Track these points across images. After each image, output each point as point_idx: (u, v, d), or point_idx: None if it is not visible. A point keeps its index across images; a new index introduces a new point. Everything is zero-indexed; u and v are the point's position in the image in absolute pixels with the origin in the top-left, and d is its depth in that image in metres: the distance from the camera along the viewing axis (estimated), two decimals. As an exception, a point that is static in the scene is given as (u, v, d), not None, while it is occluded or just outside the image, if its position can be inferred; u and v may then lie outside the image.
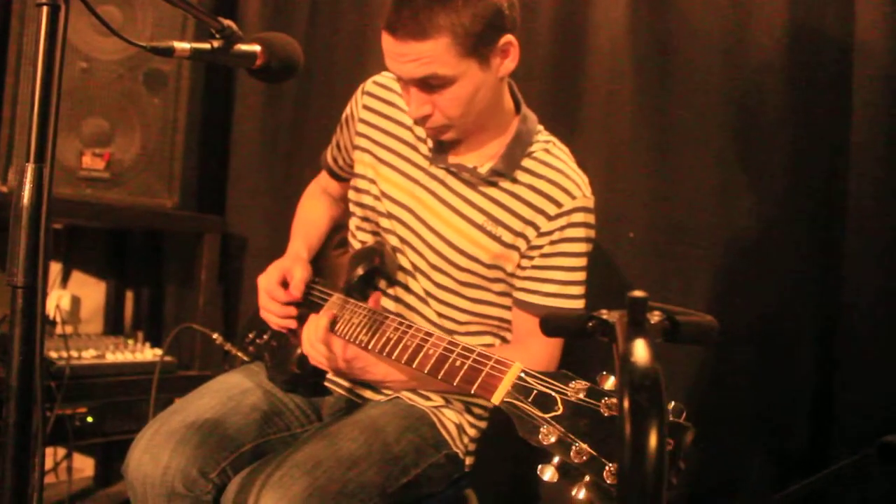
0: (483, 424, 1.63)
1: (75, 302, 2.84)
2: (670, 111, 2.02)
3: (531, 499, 2.08)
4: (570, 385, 0.89)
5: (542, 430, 0.87)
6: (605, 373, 0.89)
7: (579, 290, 1.53)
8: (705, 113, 1.98)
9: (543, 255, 1.50)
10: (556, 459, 0.86)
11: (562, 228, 1.48)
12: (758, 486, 1.87)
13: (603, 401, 0.85)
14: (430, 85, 1.39)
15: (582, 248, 1.52)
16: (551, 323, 0.80)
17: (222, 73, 2.79)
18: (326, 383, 1.62)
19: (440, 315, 1.58)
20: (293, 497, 1.24)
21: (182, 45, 1.20)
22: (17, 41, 2.29)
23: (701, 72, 1.99)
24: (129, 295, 2.98)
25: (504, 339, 1.64)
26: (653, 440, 0.51)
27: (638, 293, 0.63)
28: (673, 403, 0.82)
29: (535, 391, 0.93)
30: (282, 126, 2.75)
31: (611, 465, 0.80)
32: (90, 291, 2.89)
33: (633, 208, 2.06)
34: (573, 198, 1.49)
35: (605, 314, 0.70)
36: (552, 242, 1.49)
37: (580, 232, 1.50)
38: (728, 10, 1.97)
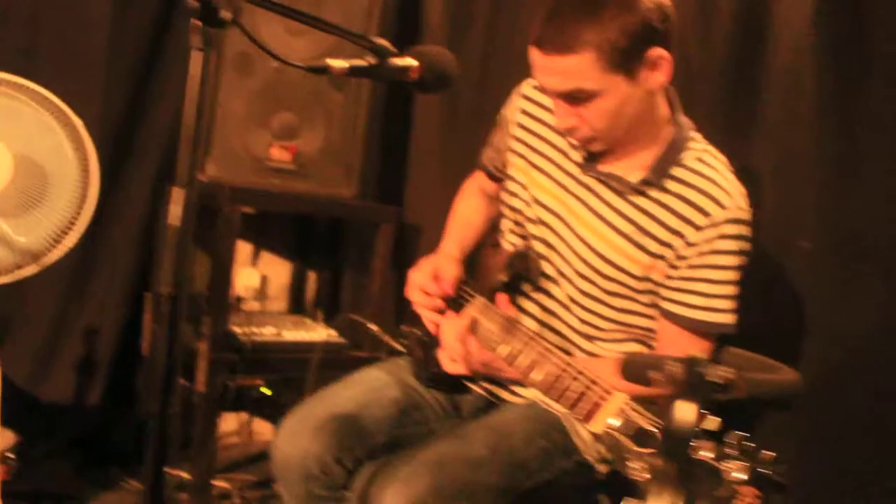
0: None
1: (264, 280, 3.08)
2: (853, 119, 1.89)
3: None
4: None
5: (630, 463, 0.87)
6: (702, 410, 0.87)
7: (728, 304, 1.48)
8: (890, 116, 1.83)
9: (691, 267, 1.46)
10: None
11: (710, 240, 1.44)
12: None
13: (701, 443, 0.83)
14: (574, 98, 1.39)
15: (733, 261, 1.46)
16: (627, 366, 0.80)
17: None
18: (466, 381, 1.67)
19: (582, 321, 1.58)
20: (416, 495, 1.31)
21: (339, 64, 1.26)
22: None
23: (889, 73, 1.84)
24: (312, 276, 3.19)
25: (649, 347, 1.61)
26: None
27: (695, 361, 0.62)
28: (771, 454, 0.80)
29: (636, 425, 0.93)
30: (460, 120, 2.81)
31: (695, 505, 0.79)
32: (277, 271, 3.12)
33: (806, 217, 1.95)
34: (724, 208, 1.43)
35: (671, 366, 0.69)
36: (700, 254, 1.45)
37: (731, 245, 1.45)
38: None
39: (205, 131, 0.95)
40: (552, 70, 1.37)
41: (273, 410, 2.59)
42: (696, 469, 0.81)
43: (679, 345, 1.50)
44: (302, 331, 2.60)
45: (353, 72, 1.29)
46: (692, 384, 0.59)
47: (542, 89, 1.48)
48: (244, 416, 2.89)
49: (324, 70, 1.27)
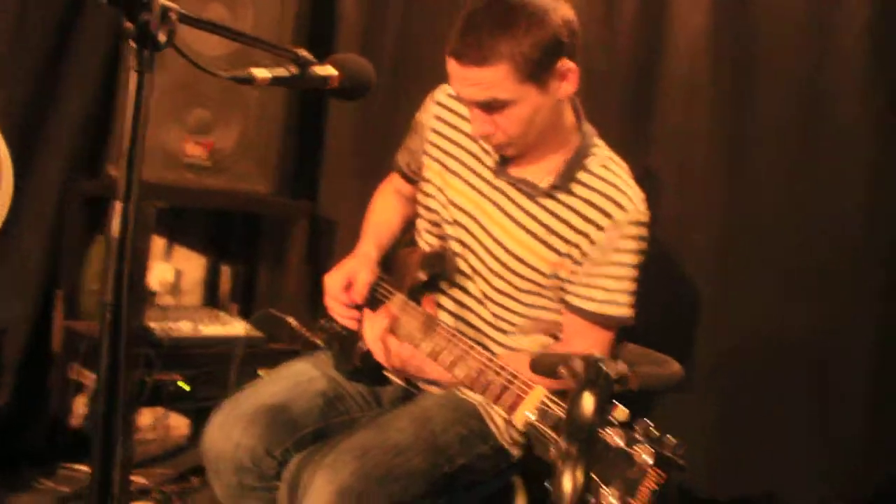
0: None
1: (177, 275, 3.08)
2: (746, 121, 2.06)
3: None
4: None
5: (552, 448, 0.98)
6: (614, 401, 0.98)
7: (627, 298, 1.60)
8: (782, 122, 2.00)
9: (594, 264, 1.58)
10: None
11: (612, 240, 1.56)
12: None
13: (609, 430, 0.95)
14: (490, 107, 1.49)
15: (632, 259, 1.59)
16: (536, 364, 0.91)
17: (318, 66, 2.94)
18: (386, 373, 1.75)
19: (495, 316, 1.68)
20: (342, 480, 1.39)
21: (263, 73, 1.31)
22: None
23: (780, 83, 2.01)
24: (226, 271, 3.20)
25: (557, 338, 1.73)
26: (567, 485, 0.61)
27: (594, 358, 0.73)
28: (674, 440, 0.91)
29: (554, 415, 1.04)
30: (374, 116, 2.87)
31: (607, 489, 0.90)
32: (191, 266, 3.12)
33: (703, 215, 2.11)
34: (625, 211, 1.56)
35: (575, 363, 0.80)
36: (603, 252, 1.57)
37: (631, 244, 1.58)
38: (805, 17, 1.98)
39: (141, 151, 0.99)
40: (470, 81, 1.46)
41: (190, 405, 2.61)
42: (609, 454, 0.92)
43: (583, 336, 1.63)
44: (218, 325, 2.62)
45: (276, 82, 1.34)
46: (591, 379, 0.69)
47: (459, 97, 1.57)
48: (160, 410, 2.89)
49: (248, 80, 1.31)
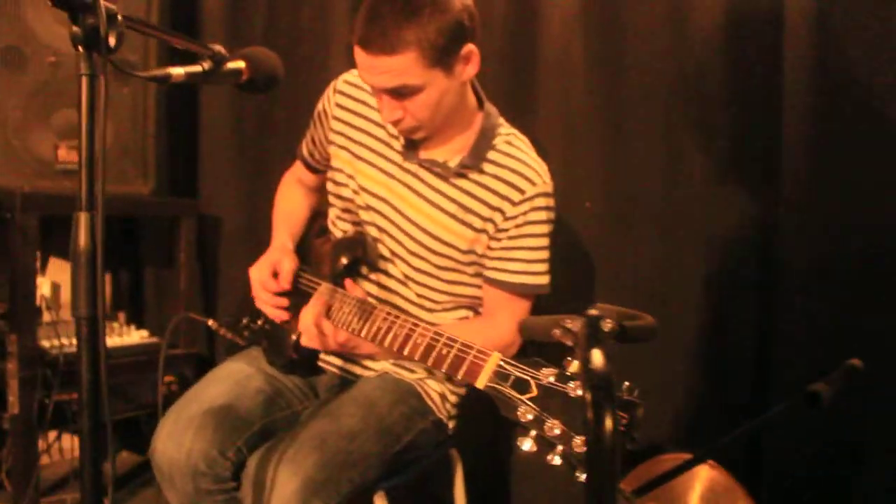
0: (463, 391, 1.80)
1: (55, 288, 2.93)
2: (620, 87, 2.18)
3: (507, 454, 2.29)
4: (542, 371, 1.08)
5: (519, 409, 1.05)
6: (569, 358, 1.06)
7: (543, 267, 1.70)
8: (652, 87, 2.13)
9: (510, 238, 1.66)
10: (532, 433, 1.04)
11: (525, 213, 1.64)
12: (707, 435, 2.08)
13: (570, 384, 1.03)
14: (400, 93, 1.52)
15: (544, 229, 1.68)
16: (527, 329, 0.97)
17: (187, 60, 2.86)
18: (320, 363, 1.77)
19: (419, 296, 1.74)
20: (306, 470, 1.42)
21: (177, 71, 1.30)
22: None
23: (647, 50, 2.14)
24: (108, 279, 3.07)
25: (477, 312, 1.80)
26: (608, 424, 0.69)
27: (594, 311, 0.80)
28: (627, 384, 1.00)
29: (512, 376, 1.12)
30: (248, 108, 2.84)
31: (578, 437, 0.98)
32: (69, 277, 2.96)
33: (589, 180, 2.23)
34: (534, 185, 1.64)
35: (568, 323, 0.87)
36: (517, 226, 1.65)
37: (542, 215, 1.67)
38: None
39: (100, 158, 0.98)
40: (379, 69, 1.49)
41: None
42: (574, 406, 1.00)
43: (504, 307, 1.71)
44: (114, 336, 2.54)
45: (190, 78, 1.32)
46: (594, 335, 0.76)
47: (367, 85, 1.60)
48: (52, 433, 2.77)
49: (165, 80, 1.29)
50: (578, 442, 0.98)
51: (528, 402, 1.06)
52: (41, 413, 2.31)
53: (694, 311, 2.08)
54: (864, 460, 1.89)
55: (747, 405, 2.02)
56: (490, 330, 1.69)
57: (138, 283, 3.08)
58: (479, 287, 1.75)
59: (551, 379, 1.06)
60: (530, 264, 1.68)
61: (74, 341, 2.40)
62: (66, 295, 2.96)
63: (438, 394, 1.75)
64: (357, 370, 1.79)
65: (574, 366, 1.04)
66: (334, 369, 1.79)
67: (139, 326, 2.75)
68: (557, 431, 1.01)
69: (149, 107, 2.64)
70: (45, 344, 2.36)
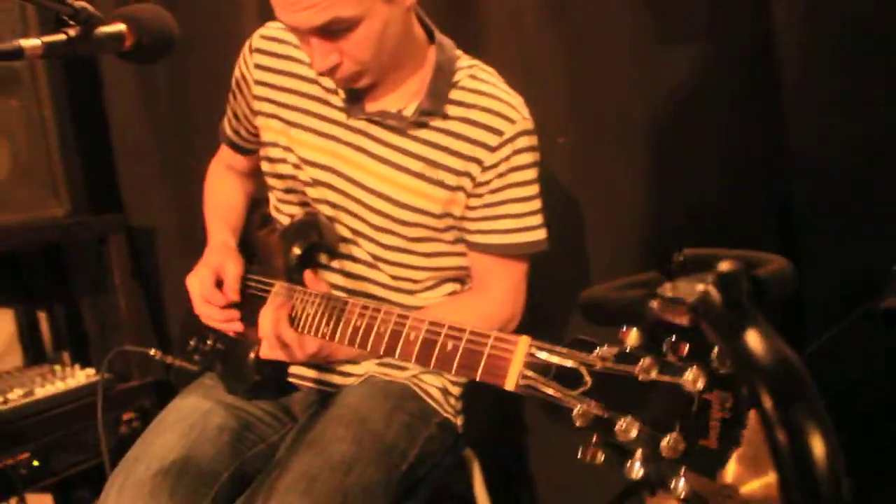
0: (464, 379, 1.52)
1: (-17, 338, 2.60)
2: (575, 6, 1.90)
3: (524, 446, 2.02)
4: (595, 352, 0.77)
5: (574, 411, 0.76)
6: (625, 328, 0.77)
7: (538, 219, 1.42)
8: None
9: (493, 191, 1.38)
10: (594, 439, 0.75)
11: (507, 158, 1.36)
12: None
13: (639, 364, 0.73)
14: (332, 31, 1.22)
15: (532, 174, 1.40)
16: (594, 309, 0.65)
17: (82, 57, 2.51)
18: (291, 379, 1.47)
19: (394, 277, 1.45)
20: (296, 524, 1.12)
21: (32, 43, 0.99)
22: None
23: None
24: (42, 317, 2.74)
25: (464, 283, 1.53)
26: (819, 450, 0.39)
27: (727, 265, 0.50)
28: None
29: (553, 366, 0.81)
30: (160, 101, 2.51)
31: (668, 436, 0.70)
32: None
33: (556, 113, 1.95)
34: (512, 122, 1.36)
35: (669, 291, 0.56)
36: (500, 175, 1.37)
37: (527, 157, 1.39)
38: None
39: None
40: (300, 3, 1.18)
41: (50, 480, 2.21)
42: (649, 394, 0.71)
43: (498, 274, 1.44)
44: (57, 381, 2.22)
45: (51, 50, 1.01)
46: (734, 304, 0.47)
47: (291, 29, 1.29)
48: (13, 500, 2.44)
49: (16, 54, 0.98)
50: (667, 444, 0.70)
51: (583, 398, 0.77)
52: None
53: (706, 240, 1.81)
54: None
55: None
56: (485, 305, 1.41)
57: (76, 315, 2.75)
58: (463, 255, 1.46)
59: (610, 362, 0.76)
60: (521, 218, 1.40)
61: (10, 396, 2.13)
62: (-2, 344, 2.63)
63: (439, 389, 1.46)
64: (335, 379, 1.48)
65: (633, 336, 0.75)
66: (308, 383, 1.48)
67: (84, 364, 2.43)
68: (634, 433, 0.72)
69: (46, 117, 2.29)
70: (-28, 406, 2.04)
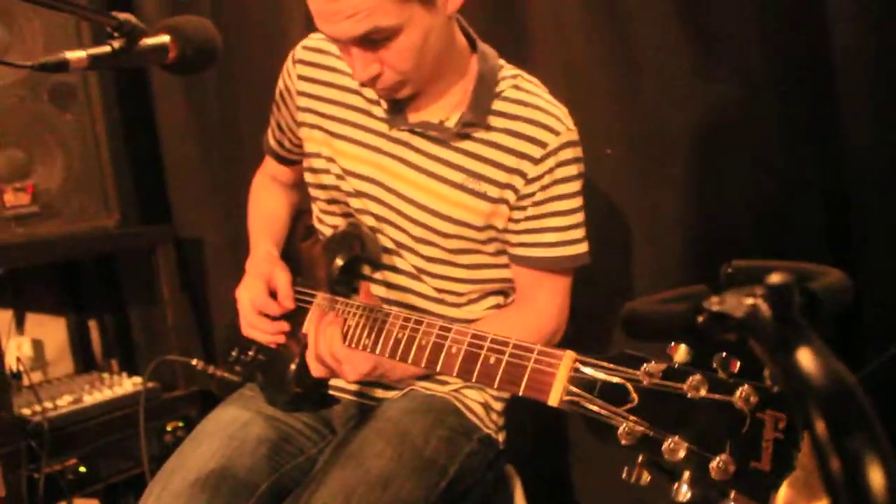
0: (507, 394, 1.49)
1: (37, 346, 2.65)
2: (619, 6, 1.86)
3: (567, 463, 1.98)
4: (642, 368, 0.75)
5: (620, 429, 0.73)
6: (673, 343, 0.74)
7: (580, 233, 1.40)
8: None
9: (536, 204, 1.36)
10: (640, 458, 0.72)
11: (551, 170, 1.34)
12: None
13: (688, 381, 0.70)
14: (372, 41, 1.21)
15: (576, 186, 1.38)
16: (636, 323, 0.62)
17: (134, 71, 2.55)
18: (331, 391, 1.46)
19: (438, 290, 1.43)
20: (332, 536, 1.10)
21: (78, 55, 1.01)
22: None
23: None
24: (93, 325, 2.79)
25: (508, 296, 1.50)
26: (877, 481, 0.36)
27: (778, 277, 0.47)
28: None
29: (598, 382, 0.78)
30: (209, 114, 2.54)
31: (717, 457, 0.67)
32: (50, 331, 2.69)
33: (603, 124, 1.91)
34: (557, 134, 1.34)
35: (716, 304, 0.52)
36: (543, 188, 1.35)
37: (571, 170, 1.36)
38: None
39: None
40: (342, 13, 1.17)
41: (98, 486, 2.24)
42: (699, 413, 0.68)
43: (543, 287, 1.42)
44: (104, 389, 2.25)
45: (96, 62, 1.03)
46: (785, 319, 0.44)
47: (332, 40, 1.29)
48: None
49: (62, 66, 1.01)
50: (717, 465, 0.67)
51: (629, 416, 0.74)
52: (32, 490, 2.03)
53: (757, 254, 1.76)
54: None
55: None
56: (531, 317, 1.39)
57: (125, 324, 2.78)
58: (507, 266, 1.44)
59: (657, 378, 0.73)
60: (565, 232, 1.37)
61: (59, 403, 2.16)
62: (50, 352, 2.68)
63: (480, 404, 1.44)
64: (377, 392, 1.47)
65: (681, 352, 0.72)
66: (349, 396, 1.47)
67: (132, 373, 2.46)
68: (682, 454, 0.69)
69: (98, 130, 2.32)
70: (26, 412, 2.08)
